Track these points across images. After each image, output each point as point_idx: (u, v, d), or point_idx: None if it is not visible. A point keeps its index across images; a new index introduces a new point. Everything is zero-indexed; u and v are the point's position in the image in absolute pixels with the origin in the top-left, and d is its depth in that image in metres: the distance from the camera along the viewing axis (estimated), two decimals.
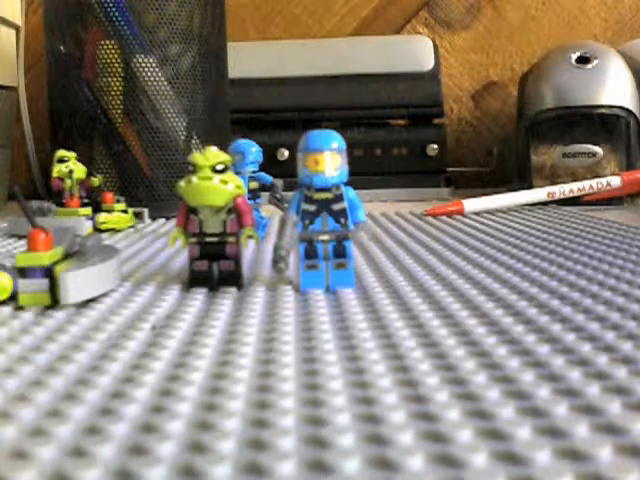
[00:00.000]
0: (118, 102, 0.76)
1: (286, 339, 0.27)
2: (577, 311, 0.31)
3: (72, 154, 0.65)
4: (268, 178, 0.57)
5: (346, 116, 0.97)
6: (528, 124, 0.84)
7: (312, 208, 0.36)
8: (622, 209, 0.75)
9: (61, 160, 0.65)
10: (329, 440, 0.18)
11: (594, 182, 0.74)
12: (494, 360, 0.24)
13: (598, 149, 0.81)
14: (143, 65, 0.76)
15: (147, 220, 0.71)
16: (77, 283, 0.33)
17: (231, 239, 0.37)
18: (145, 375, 0.23)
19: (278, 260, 0.35)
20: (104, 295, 0.35)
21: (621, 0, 1.11)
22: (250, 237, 0.37)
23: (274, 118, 0.98)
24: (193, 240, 0.37)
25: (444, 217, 0.68)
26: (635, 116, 0.81)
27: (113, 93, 0.76)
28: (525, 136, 0.84)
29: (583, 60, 0.83)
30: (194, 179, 0.35)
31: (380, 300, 0.33)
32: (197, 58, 0.78)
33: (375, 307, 0.32)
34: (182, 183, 0.36)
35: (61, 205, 0.64)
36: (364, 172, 0.93)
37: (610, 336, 0.27)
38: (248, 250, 0.49)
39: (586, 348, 0.25)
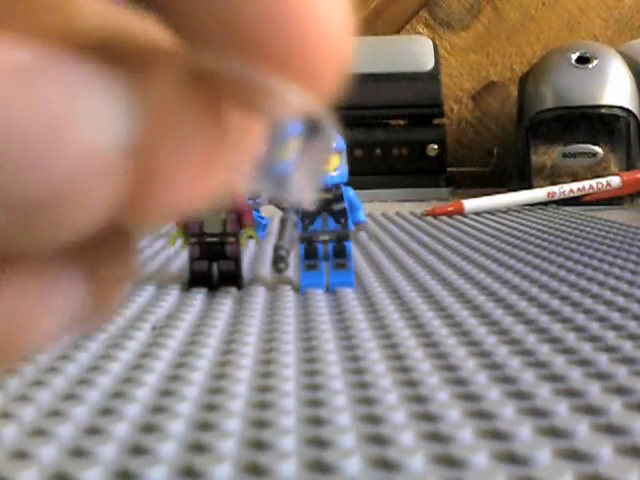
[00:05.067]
0: None
1: (286, 339, 0.27)
2: (578, 311, 0.30)
3: None
4: None
5: (346, 116, 0.97)
6: (528, 124, 0.84)
7: (312, 208, 0.36)
8: (622, 209, 0.75)
9: None
10: (329, 440, 0.18)
11: (594, 182, 0.74)
12: (495, 360, 0.24)
13: (598, 149, 0.81)
14: None
15: None
16: None
17: (231, 239, 0.37)
18: (145, 375, 0.23)
19: (278, 260, 0.35)
20: None
21: (621, 0, 1.12)
22: (250, 237, 0.37)
23: None
24: (193, 240, 0.37)
25: (444, 217, 0.68)
26: (635, 116, 0.81)
27: None
28: (525, 136, 0.84)
29: (583, 60, 0.83)
30: None
31: (380, 300, 0.33)
32: None
33: (375, 307, 0.32)
34: None
35: None
36: (364, 172, 0.93)
37: (611, 336, 0.27)
38: (248, 250, 0.49)
39: (587, 348, 0.25)
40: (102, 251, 0.09)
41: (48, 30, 0.08)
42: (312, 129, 0.08)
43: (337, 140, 0.35)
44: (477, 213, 0.70)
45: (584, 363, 0.24)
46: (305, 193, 0.08)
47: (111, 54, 0.08)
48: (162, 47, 0.08)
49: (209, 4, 0.07)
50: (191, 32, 0.08)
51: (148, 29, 0.08)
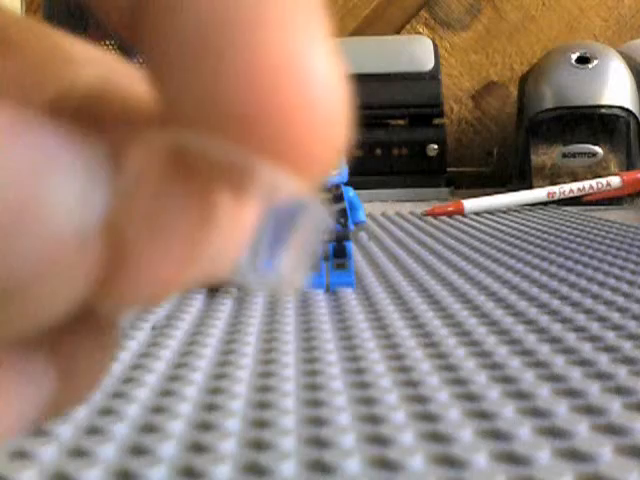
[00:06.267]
0: None
1: (286, 339, 0.27)
2: (578, 311, 0.31)
3: None
4: None
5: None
6: (528, 124, 0.84)
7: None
8: (622, 209, 0.75)
9: None
10: (329, 440, 0.18)
11: (594, 182, 0.73)
12: (495, 360, 0.24)
13: (598, 149, 0.81)
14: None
15: None
16: None
17: None
18: (145, 375, 0.23)
19: None
20: None
21: (621, 0, 1.11)
22: None
23: None
24: None
25: (444, 217, 0.68)
26: (635, 116, 0.81)
27: None
28: (525, 136, 0.84)
29: (583, 60, 0.83)
30: None
31: (380, 300, 0.33)
32: None
33: (375, 307, 0.32)
34: None
35: None
36: (364, 172, 0.93)
37: (611, 336, 0.27)
38: None
39: (587, 348, 0.25)
40: (74, 342, 0.08)
41: (36, 89, 0.07)
42: (300, 212, 0.08)
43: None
44: (477, 213, 0.70)
45: (584, 363, 0.24)
46: (294, 277, 0.08)
47: (94, 120, 0.07)
48: (148, 112, 0.08)
49: (195, 81, 0.07)
50: (176, 109, 0.07)
51: (138, 83, 0.08)
